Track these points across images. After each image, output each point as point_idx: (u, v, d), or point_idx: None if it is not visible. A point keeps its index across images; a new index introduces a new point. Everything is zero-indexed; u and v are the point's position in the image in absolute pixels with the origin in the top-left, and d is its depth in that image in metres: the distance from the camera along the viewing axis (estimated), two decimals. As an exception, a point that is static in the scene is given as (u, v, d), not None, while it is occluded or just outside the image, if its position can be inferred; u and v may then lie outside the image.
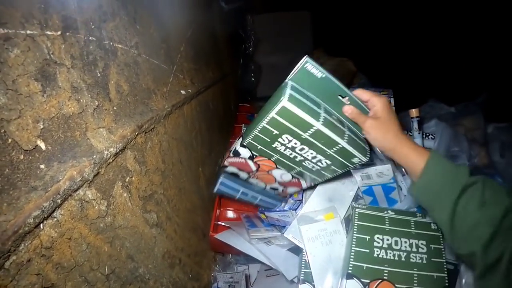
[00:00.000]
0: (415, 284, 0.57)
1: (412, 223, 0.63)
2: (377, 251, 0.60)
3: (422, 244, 0.60)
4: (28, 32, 0.32)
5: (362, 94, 0.55)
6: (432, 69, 1.84)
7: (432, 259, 0.59)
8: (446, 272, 0.58)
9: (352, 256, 0.60)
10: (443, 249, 0.60)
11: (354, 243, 0.61)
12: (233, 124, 1.38)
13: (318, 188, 0.75)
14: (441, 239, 0.61)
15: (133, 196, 0.52)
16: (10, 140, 0.29)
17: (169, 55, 0.69)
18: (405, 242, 0.61)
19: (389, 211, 0.65)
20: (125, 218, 0.48)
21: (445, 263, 0.59)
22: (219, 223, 0.92)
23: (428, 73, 1.84)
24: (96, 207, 0.41)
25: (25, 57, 0.31)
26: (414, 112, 0.83)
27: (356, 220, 0.63)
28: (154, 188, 0.60)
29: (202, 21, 1.07)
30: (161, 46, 0.65)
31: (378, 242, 0.61)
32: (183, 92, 0.70)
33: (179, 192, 0.74)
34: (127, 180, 0.49)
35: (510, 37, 1.48)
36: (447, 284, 0.57)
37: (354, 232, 0.62)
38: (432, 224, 0.63)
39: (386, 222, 0.63)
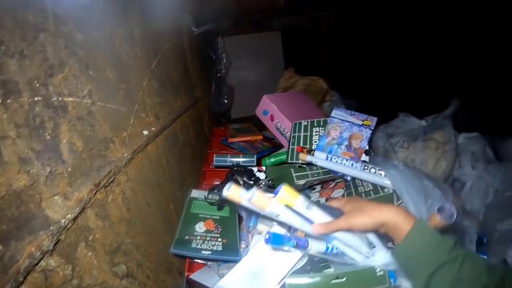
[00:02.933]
0: None
1: None
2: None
3: None
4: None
5: (332, 203, 0.59)
6: (400, 83, 1.95)
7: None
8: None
9: None
10: None
11: None
12: (207, 150, 1.38)
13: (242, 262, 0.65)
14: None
15: (99, 252, 0.51)
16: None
17: (129, 95, 0.69)
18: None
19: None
20: (92, 277, 0.48)
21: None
22: (195, 260, 0.91)
23: (397, 87, 1.95)
24: (61, 273, 0.41)
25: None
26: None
27: None
28: (120, 239, 0.59)
29: (170, 48, 1.08)
30: (119, 87, 0.65)
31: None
32: (145, 132, 0.70)
33: (149, 236, 0.73)
34: (90, 238, 0.49)
35: (475, 49, 1.59)
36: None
37: None
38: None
39: None
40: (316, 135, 1.03)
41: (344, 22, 2.02)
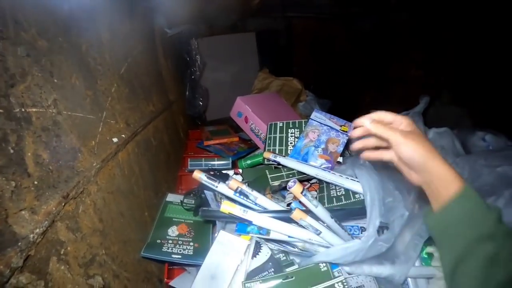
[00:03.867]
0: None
1: None
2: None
3: None
4: None
5: (385, 115, 0.55)
6: (374, 81, 2.02)
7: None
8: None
9: None
10: None
11: None
12: (183, 154, 1.38)
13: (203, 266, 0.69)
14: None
15: (72, 266, 0.51)
16: None
17: (97, 102, 0.68)
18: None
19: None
20: None
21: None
22: (174, 266, 0.91)
23: (371, 85, 2.03)
24: None
25: None
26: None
27: None
28: (94, 250, 0.58)
29: (141, 51, 1.07)
30: (86, 95, 0.64)
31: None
32: (115, 140, 0.69)
33: (125, 246, 0.72)
34: (62, 252, 0.49)
35: (447, 46, 1.67)
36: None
37: None
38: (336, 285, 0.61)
39: None
40: (291, 136, 1.05)
41: (318, 22, 2.08)
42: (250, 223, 0.67)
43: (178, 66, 1.69)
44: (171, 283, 0.85)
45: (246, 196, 0.73)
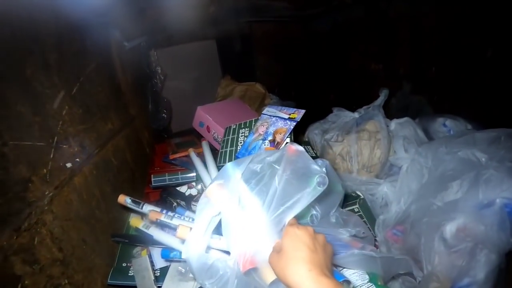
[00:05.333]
0: None
1: None
2: None
3: None
4: None
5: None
6: (337, 79, 2.11)
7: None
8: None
9: None
10: None
11: None
12: (148, 169, 1.37)
13: None
14: None
15: (30, 301, 0.50)
16: None
17: (47, 127, 0.68)
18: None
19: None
20: None
21: None
22: None
23: (334, 84, 2.11)
24: None
25: None
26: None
27: None
28: (55, 281, 0.59)
29: (95, 68, 1.06)
30: (33, 121, 0.64)
31: None
32: (69, 165, 0.69)
33: (90, 273, 0.72)
34: (19, 287, 0.48)
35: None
36: None
37: None
38: None
39: None
40: (242, 136, 1.08)
41: (277, 26, 2.14)
42: (151, 237, 0.76)
43: (139, 79, 1.68)
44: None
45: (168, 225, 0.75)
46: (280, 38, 2.17)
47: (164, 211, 0.76)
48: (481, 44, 1.27)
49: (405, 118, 1.35)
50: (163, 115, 1.76)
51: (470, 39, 1.33)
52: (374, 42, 1.88)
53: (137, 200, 0.81)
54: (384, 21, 1.77)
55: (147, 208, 0.78)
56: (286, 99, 1.76)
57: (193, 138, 1.61)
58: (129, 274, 0.79)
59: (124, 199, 0.80)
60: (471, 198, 0.84)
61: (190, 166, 1.20)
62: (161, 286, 0.76)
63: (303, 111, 0.98)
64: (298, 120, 0.97)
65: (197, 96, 1.70)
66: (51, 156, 0.64)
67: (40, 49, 0.75)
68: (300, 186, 0.60)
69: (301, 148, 0.65)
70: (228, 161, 1.01)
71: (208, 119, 1.24)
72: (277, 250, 0.53)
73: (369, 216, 1.07)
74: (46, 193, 0.58)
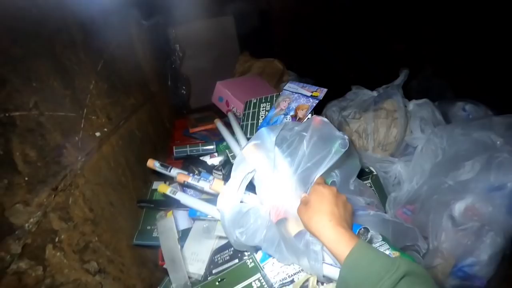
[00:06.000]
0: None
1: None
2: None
3: None
4: None
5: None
6: (356, 57, 2.07)
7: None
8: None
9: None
10: None
11: None
12: (169, 143, 1.44)
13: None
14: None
15: (67, 252, 0.58)
16: None
17: (77, 100, 0.73)
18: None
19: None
20: (64, 275, 0.55)
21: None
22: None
23: (353, 61, 2.07)
24: (33, 274, 0.47)
25: None
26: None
27: None
28: (87, 238, 0.65)
29: (117, 46, 1.11)
30: (65, 94, 0.69)
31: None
32: (98, 134, 0.75)
33: (117, 233, 0.79)
34: (56, 240, 0.55)
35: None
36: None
37: None
38: (252, 283, 0.66)
39: None
40: (263, 110, 1.12)
41: (296, 2, 2.10)
42: (178, 201, 0.82)
43: (158, 57, 1.73)
44: (166, 266, 0.94)
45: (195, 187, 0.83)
46: (299, 13, 2.13)
47: (191, 174, 0.83)
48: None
49: (424, 100, 1.33)
50: (182, 91, 1.81)
51: (500, 26, 1.28)
52: (398, 22, 1.83)
53: (165, 164, 0.87)
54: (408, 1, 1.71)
55: (174, 171, 0.85)
56: (305, 76, 1.75)
57: (212, 113, 1.65)
58: (153, 235, 0.87)
59: (153, 163, 0.87)
60: (483, 180, 0.85)
61: (209, 139, 1.26)
62: (183, 245, 0.83)
63: (325, 89, 1.01)
64: (321, 98, 0.99)
65: (216, 73, 1.72)
66: (82, 125, 0.71)
67: (67, 29, 0.80)
68: (324, 149, 0.68)
69: (325, 119, 0.73)
70: (250, 134, 1.06)
71: (227, 93, 1.29)
72: (305, 203, 0.61)
73: (380, 192, 1.10)
74: (79, 158, 0.64)
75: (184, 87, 1.82)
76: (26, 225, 0.47)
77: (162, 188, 0.85)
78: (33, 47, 0.62)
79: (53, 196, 0.54)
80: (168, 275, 0.81)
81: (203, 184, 0.79)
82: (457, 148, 0.98)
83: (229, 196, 0.68)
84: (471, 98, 1.32)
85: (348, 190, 0.85)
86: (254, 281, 0.65)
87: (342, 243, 0.52)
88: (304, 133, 0.72)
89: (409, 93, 1.38)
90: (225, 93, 1.30)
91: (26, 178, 0.50)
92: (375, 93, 1.38)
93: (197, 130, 1.42)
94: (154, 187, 1.01)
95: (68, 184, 0.60)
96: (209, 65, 1.92)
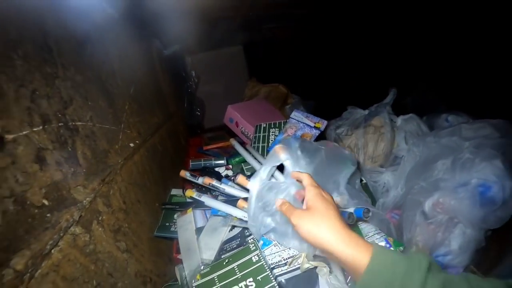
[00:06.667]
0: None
1: (236, 269, 0.76)
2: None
3: (249, 282, 0.71)
4: (24, 132, 0.56)
5: (297, 175, 0.67)
6: (353, 79, 2.27)
7: None
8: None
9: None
10: (270, 274, 0.70)
11: None
12: (185, 158, 1.63)
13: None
14: (265, 266, 0.73)
15: (106, 230, 0.75)
16: (28, 202, 0.53)
17: (117, 117, 0.94)
18: (235, 288, 0.72)
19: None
20: (102, 246, 0.71)
21: (276, 285, 0.68)
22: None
23: (347, 86, 2.27)
24: (83, 239, 0.64)
25: (26, 149, 0.55)
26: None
27: None
28: (120, 223, 0.83)
29: (144, 73, 1.34)
30: (108, 112, 0.90)
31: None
32: (131, 144, 0.95)
33: (141, 225, 0.97)
34: (100, 218, 0.73)
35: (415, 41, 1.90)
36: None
37: None
38: (252, 258, 0.77)
39: (216, 282, 0.76)
40: (272, 134, 1.30)
41: (297, 32, 2.36)
42: (203, 203, 1.00)
43: (176, 81, 1.97)
44: (179, 257, 1.10)
45: (217, 188, 1.02)
46: (300, 42, 2.39)
47: (214, 178, 1.04)
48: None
49: (410, 115, 1.48)
50: (197, 112, 2.03)
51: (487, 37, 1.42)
52: (392, 43, 2.00)
53: (193, 173, 1.09)
54: (401, 22, 1.90)
55: (201, 179, 1.05)
56: (306, 99, 1.95)
57: (223, 133, 1.85)
58: (171, 230, 1.04)
59: (185, 173, 1.09)
60: (450, 179, 0.99)
61: (221, 156, 1.44)
62: (198, 237, 0.99)
63: (326, 122, 1.24)
64: (322, 130, 1.22)
65: (227, 96, 1.94)
66: (120, 137, 0.91)
67: (109, 61, 1.03)
68: (337, 160, 0.93)
69: (335, 143, 0.96)
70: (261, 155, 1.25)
71: (237, 115, 1.49)
72: (307, 208, 0.58)
73: (370, 198, 1.24)
74: (119, 161, 0.83)
75: (198, 109, 2.04)
76: (84, 201, 0.65)
77: (189, 192, 1.04)
78: (88, 75, 0.84)
79: (101, 185, 0.73)
80: (178, 271, 0.98)
81: (225, 187, 1.00)
82: (428, 154, 1.12)
83: (261, 175, 0.77)
84: (462, 110, 1.45)
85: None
86: (253, 256, 0.78)
87: (360, 249, 0.48)
88: (321, 147, 0.92)
89: (404, 109, 1.52)
90: (235, 115, 1.50)
91: (84, 170, 0.69)
92: (366, 112, 1.54)
93: (210, 148, 1.62)
94: (172, 192, 1.20)
95: (111, 179, 0.79)
96: (221, 90, 2.17)
